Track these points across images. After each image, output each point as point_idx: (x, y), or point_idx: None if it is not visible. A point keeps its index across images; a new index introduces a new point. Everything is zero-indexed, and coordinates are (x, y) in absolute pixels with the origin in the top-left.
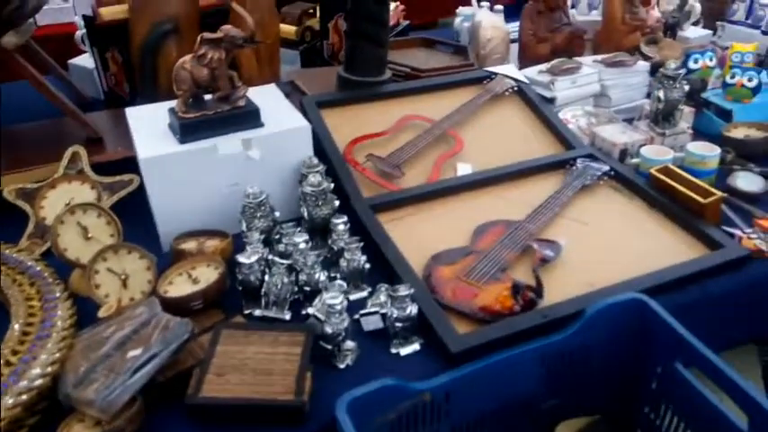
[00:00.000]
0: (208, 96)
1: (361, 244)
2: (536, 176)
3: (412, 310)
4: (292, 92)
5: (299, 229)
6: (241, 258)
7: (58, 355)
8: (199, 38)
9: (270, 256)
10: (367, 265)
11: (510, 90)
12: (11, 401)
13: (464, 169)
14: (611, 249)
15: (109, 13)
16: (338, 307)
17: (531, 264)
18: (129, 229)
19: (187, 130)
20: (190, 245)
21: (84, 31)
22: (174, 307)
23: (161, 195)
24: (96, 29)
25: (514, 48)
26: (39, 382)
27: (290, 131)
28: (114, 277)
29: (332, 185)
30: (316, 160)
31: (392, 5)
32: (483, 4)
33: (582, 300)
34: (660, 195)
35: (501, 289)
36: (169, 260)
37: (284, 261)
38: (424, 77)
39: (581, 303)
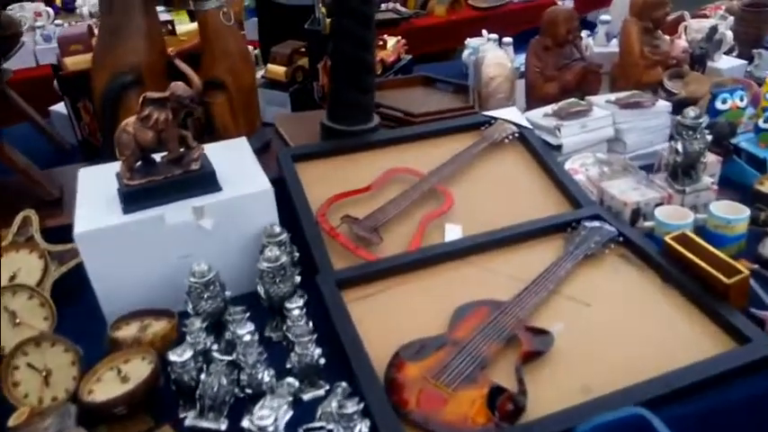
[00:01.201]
0: (159, 157)
1: (314, 336)
2: (533, 242)
3: (362, 429)
4: (275, 139)
5: (247, 314)
6: (172, 356)
7: None
8: (141, 98)
9: (213, 349)
10: (322, 360)
11: (510, 137)
12: None
13: (453, 232)
14: (613, 340)
15: (72, 63)
16: (270, 429)
17: (516, 360)
18: (74, 305)
19: (131, 199)
20: (128, 331)
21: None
22: (96, 413)
23: (102, 272)
24: (63, 78)
25: (523, 85)
26: None
27: (250, 196)
28: (35, 374)
29: (296, 256)
30: (278, 229)
31: (392, 40)
32: (491, 36)
33: (573, 414)
34: (676, 268)
35: (475, 396)
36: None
37: (224, 357)
38: (417, 123)
39: (572, 419)
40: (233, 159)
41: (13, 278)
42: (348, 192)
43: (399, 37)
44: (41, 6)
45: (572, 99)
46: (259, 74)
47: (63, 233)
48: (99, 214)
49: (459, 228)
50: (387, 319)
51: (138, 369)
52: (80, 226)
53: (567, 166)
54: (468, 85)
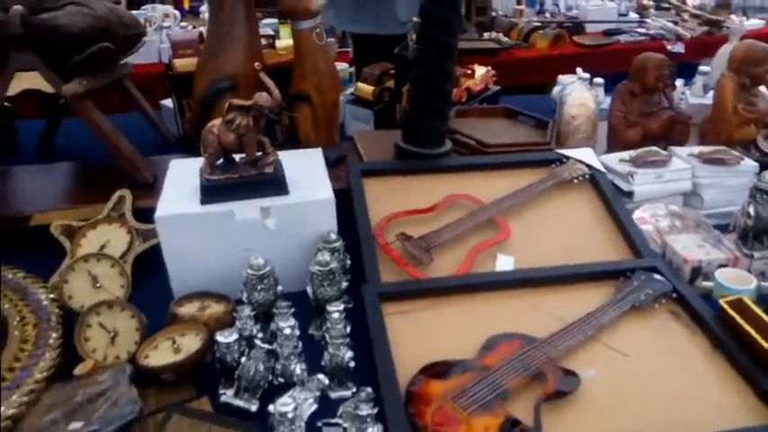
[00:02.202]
0: (239, 157)
1: (347, 339)
2: (584, 284)
3: None
4: (352, 153)
5: (291, 310)
6: (219, 337)
7: (14, 411)
8: (228, 104)
9: (256, 337)
10: (351, 363)
11: (581, 178)
12: None
13: (504, 263)
14: (644, 394)
15: (181, 64)
16: (290, 415)
17: (538, 396)
18: (150, 278)
19: (208, 192)
20: (188, 309)
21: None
22: (148, 375)
23: (175, 253)
24: (172, 78)
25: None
26: None
27: (312, 203)
28: (105, 333)
29: (348, 263)
30: (334, 236)
31: (481, 70)
32: (583, 74)
33: None
34: (727, 334)
35: (489, 424)
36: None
37: (264, 345)
38: (489, 153)
39: None
40: (305, 167)
41: (103, 247)
42: (408, 211)
43: (489, 67)
44: (170, 9)
45: (652, 147)
46: (349, 90)
47: (150, 214)
48: (179, 202)
49: (511, 260)
50: (420, 337)
51: (191, 343)
52: (161, 210)
53: (637, 214)
54: (549, 120)
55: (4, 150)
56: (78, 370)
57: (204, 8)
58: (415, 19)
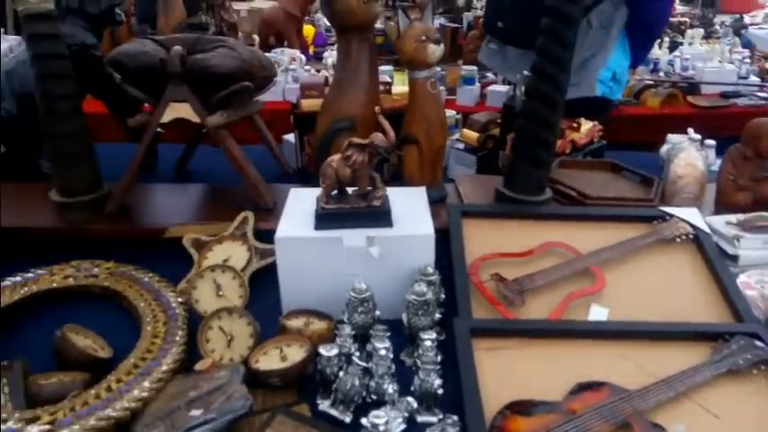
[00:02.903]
0: (352, 190)
1: (438, 366)
2: (680, 343)
3: None
4: (453, 194)
5: (387, 334)
6: (322, 350)
7: (145, 395)
8: (347, 141)
9: (354, 354)
10: (440, 390)
11: (683, 237)
12: (91, 423)
13: (598, 313)
14: None
15: (307, 104)
16: (381, 428)
17: None
18: (263, 292)
19: (322, 219)
20: (295, 322)
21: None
22: (257, 378)
23: (288, 272)
24: (297, 116)
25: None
26: (119, 414)
27: (414, 237)
28: (223, 336)
29: (442, 297)
30: (431, 269)
31: (588, 125)
32: (694, 135)
33: None
34: None
35: None
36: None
37: (361, 363)
38: (589, 204)
39: None
40: (409, 204)
41: (225, 261)
42: (504, 253)
43: (595, 122)
44: (297, 53)
45: (763, 213)
46: (455, 135)
47: (269, 235)
48: (296, 226)
49: (605, 311)
50: (508, 374)
51: (296, 353)
52: (281, 232)
53: (742, 279)
54: (654, 178)
55: (146, 169)
56: (198, 366)
57: (327, 53)
58: (525, 72)
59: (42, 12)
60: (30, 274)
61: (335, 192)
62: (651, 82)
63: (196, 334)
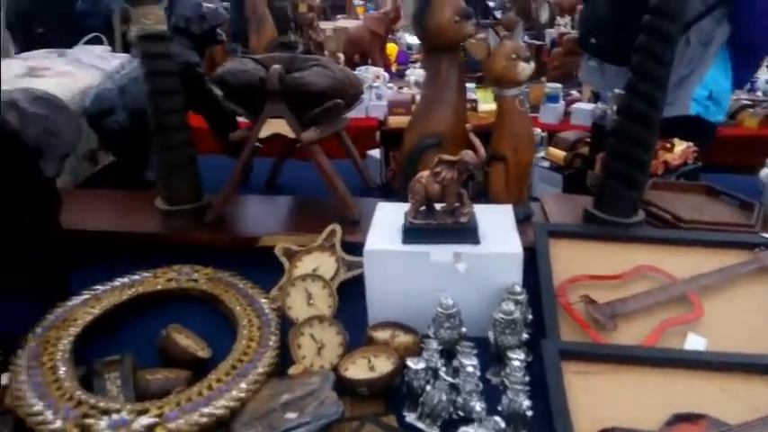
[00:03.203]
0: (439, 206)
1: (526, 387)
2: None
3: None
4: (538, 213)
5: (475, 351)
6: (410, 362)
7: (243, 395)
8: (437, 158)
9: (441, 369)
10: (529, 412)
11: None
12: (195, 418)
13: (695, 342)
14: None
15: (394, 121)
16: None
17: None
18: (349, 302)
19: (410, 234)
20: (382, 334)
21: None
22: (344, 385)
23: (376, 284)
24: (386, 132)
25: None
26: (220, 411)
27: (500, 255)
28: (313, 343)
29: (529, 317)
30: (519, 288)
31: (682, 145)
32: None
33: None
34: None
35: None
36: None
37: (449, 378)
38: (684, 228)
39: None
40: (496, 221)
41: (314, 270)
42: (594, 275)
43: (690, 144)
44: (381, 71)
45: None
46: (541, 153)
47: (355, 248)
48: (385, 240)
49: (703, 341)
50: (599, 399)
51: (383, 364)
52: (370, 245)
53: None
54: (755, 203)
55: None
56: (291, 371)
57: (410, 71)
58: (617, 91)
59: (156, 33)
60: (136, 276)
61: (423, 207)
62: (748, 102)
63: (287, 339)
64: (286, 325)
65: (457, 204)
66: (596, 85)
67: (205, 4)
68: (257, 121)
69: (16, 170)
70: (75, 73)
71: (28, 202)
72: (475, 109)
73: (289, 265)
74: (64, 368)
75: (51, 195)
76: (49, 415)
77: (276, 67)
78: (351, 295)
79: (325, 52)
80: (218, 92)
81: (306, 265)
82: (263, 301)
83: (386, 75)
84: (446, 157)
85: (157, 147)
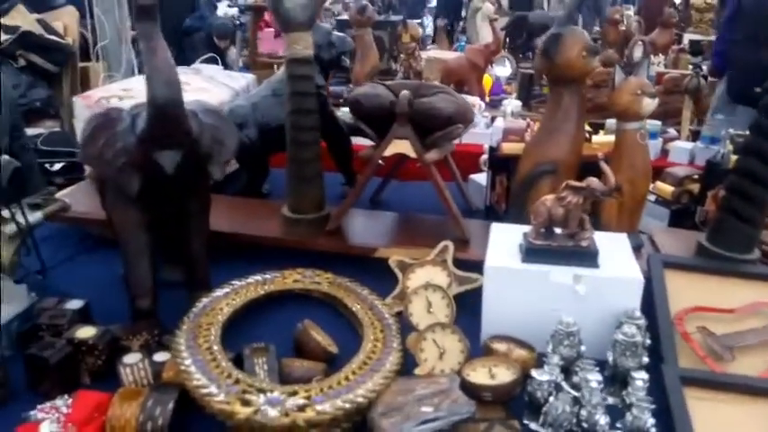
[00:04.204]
0: (559, 230)
1: (653, 406)
2: None
3: None
4: (647, 245)
5: (597, 368)
6: (534, 373)
7: (378, 387)
8: (564, 184)
9: (562, 382)
10: (653, 430)
11: None
12: (339, 403)
13: None
14: None
15: (508, 148)
16: None
17: None
18: (461, 314)
19: (531, 254)
20: (500, 346)
21: (487, 156)
22: (469, 390)
23: (493, 298)
24: (495, 157)
25: None
26: (360, 400)
27: (621, 280)
28: (436, 348)
29: (647, 342)
30: (638, 313)
31: None
32: None
33: None
34: None
35: None
36: (479, 351)
37: (572, 391)
38: None
39: None
40: (613, 248)
41: (428, 282)
42: (710, 308)
43: None
44: (477, 100)
45: None
46: None
47: (463, 264)
48: (504, 258)
49: None
50: (722, 427)
51: (504, 374)
52: (491, 261)
53: None
54: None
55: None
56: (418, 370)
57: (507, 101)
58: (730, 131)
59: (304, 57)
60: (267, 275)
61: (544, 230)
62: None
63: (405, 342)
64: (404, 330)
65: (578, 229)
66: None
67: (334, 33)
68: (383, 140)
69: (192, 173)
70: (210, 89)
71: (191, 203)
72: (589, 140)
73: (402, 277)
74: (217, 350)
75: (208, 197)
76: (213, 389)
77: (405, 92)
78: (461, 307)
79: (422, 80)
80: (339, 114)
81: (419, 277)
82: (382, 306)
83: (482, 104)
84: (574, 183)
85: (291, 160)
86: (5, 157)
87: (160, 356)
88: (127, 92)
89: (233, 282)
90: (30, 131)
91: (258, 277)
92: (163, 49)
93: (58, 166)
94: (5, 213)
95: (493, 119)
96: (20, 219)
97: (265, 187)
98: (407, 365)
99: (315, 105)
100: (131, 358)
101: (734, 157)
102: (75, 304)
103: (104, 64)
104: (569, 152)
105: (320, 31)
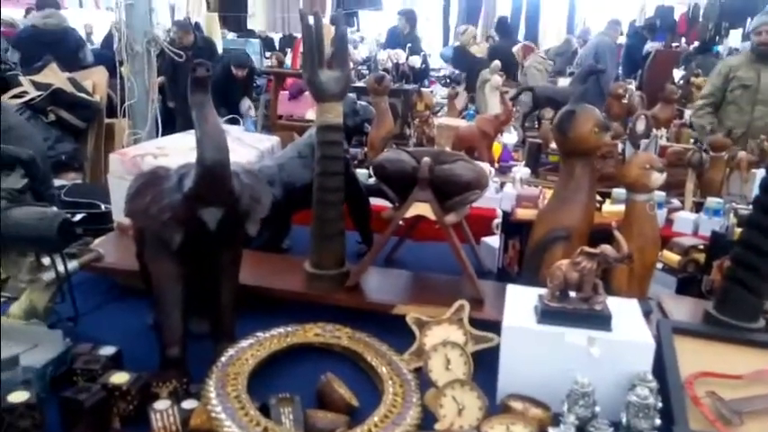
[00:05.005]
0: (573, 294)
1: None
2: None
3: None
4: (655, 311)
5: (611, 428)
6: (551, 431)
7: None
8: (579, 249)
9: None
10: None
11: None
12: None
13: None
14: None
15: (522, 213)
16: None
17: None
18: (479, 372)
19: (546, 315)
20: (517, 404)
21: (500, 220)
22: None
23: (509, 357)
24: (509, 222)
25: None
26: None
27: (633, 343)
28: (455, 404)
29: (659, 405)
30: (650, 376)
31: None
32: None
33: None
34: None
35: None
36: (496, 409)
37: None
38: None
39: None
40: (624, 313)
41: (445, 339)
42: (719, 373)
43: None
44: (487, 166)
45: None
46: None
47: (478, 323)
48: (521, 318)
49: None
50: None
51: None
52: (508, 322)
53: None
54: None
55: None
56: (438, 426)
57: (516, 168)
58: (733, 204)
59: (335, 124)
60: (289, 328)
61: (558, 293)
62: None
63: (424, 398)
64: (424, 386)
65: (592, 293)
66: None
67: (359, 102)
68: (404, 203)
69: (230, 229)
70: (238, 150)
71: (224, 256)
72: (599, 209)
73: (419, 334)
74: (245, 399)
75: (240, 252)
76: None
77: (427, 159)
78: (476, 365)
79: (435, 146)
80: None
81: (435, 334)
82: (400, 362)
83: (492, 170)
84: (588, 249)
85: (316, 218)
86: (53, 208)
87: (188, 404)
88: (161, 149)
89: (257, 333)
90: (55, 183)
91: (281, 330)
92: (213, 115)
93: (78, 217)
94: (45, 261)
95: (502, 184)
96: (60, 267)
97: (286, 243)
98: (426, 421)
99: (341, 168)
100: (161, 404)
101: (738, 230)
102: (108, 350)
103: (130, 122)
104: (581, 220)
105: (346, 100)
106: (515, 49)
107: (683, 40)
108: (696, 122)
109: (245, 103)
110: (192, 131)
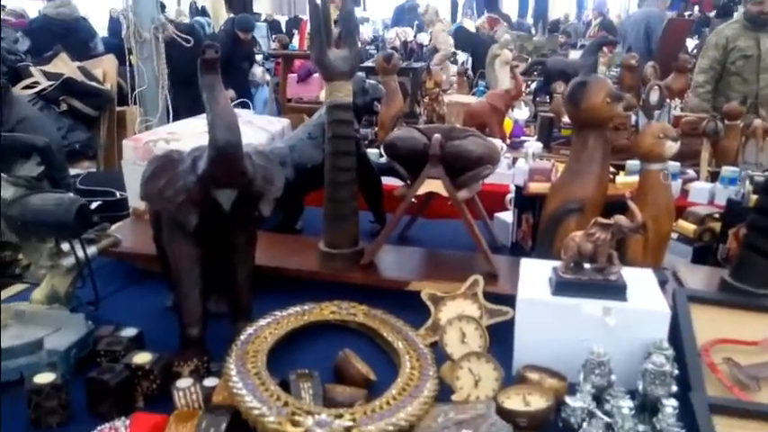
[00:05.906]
0: (588, 265)
1: (683, 431)
2: None
3: None
4: (671, 281)
5: (628, 396)
6: (568, 399)
7: (418, 412)
8: (593, 220)
9: (595, 409)
10: None
11: None
12: (383, 425)
13: None
14: None
15: (535, 187)
16: None
17: None
18: (494, 345)
19: (561, 287)
20: (533, 375)
21: (512, 195)
22: (505, 416)
23: (525, 329)
24: (522, 196)
25: None
26: (402, 423)
27: (648, 312)
28: (471, 376)
29: (675, 372)
30: (666, 344)
31: None
32: None
33: None
34: None
35: None
36: (512, 380)
37: (604, 417)
38: None
39: None
40: (639, 283)
41: (460, 314)
42: (735, 340)
43: None
44: (499, 142)
45: None
46: None
47: (492, 297)
48: (536, 291)
49: None
50: None
51: (537, 401)
52: (522, 294)
53: None
54: None
55: (378, 233)
56: (455, 397)
57: (528, 143)
58: (748, 172)
59: (345, 103)
60: (306, 307)
61: (573, 264)
62: None
63: (440, 371)
64: (439, 359)
65: (606, 264)
66: None
67: (368, 81)
68: (416, 180)
69: (245, 210)
70: (248, 133)
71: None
72: (613, 180)
73: (434, 309)
74: (265, 375)
75: (255, 232)
76: (265, 410)
77: (437, 136)
78: (491, 338)
79: (445, 123)
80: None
81: (450, 309)
82: (416, 337)
83: (504, 146)
84: (602, 220)
85: (328, 198)
86: (71, 194)
87: (209, 381)
88: (172, 134)
89: (275, 312)
90: (70, 172)
91: (298, 308)
92: (224, 97)
93: (94, 205)
94: (65, 247)
95: (514, 160)
96: (79, 252)
97: (299, 224)
98: (442, 394)
99: (353, 148)
100: (184, 383)
101: (753, 197)
102: (129, 332)
103: (141, 109)
104: (595, 191)
105: (355, 78)
106: (479, 22)
107: (696, 8)
108: (696, 105)
109: (258, 70)
110: (202, 116)
